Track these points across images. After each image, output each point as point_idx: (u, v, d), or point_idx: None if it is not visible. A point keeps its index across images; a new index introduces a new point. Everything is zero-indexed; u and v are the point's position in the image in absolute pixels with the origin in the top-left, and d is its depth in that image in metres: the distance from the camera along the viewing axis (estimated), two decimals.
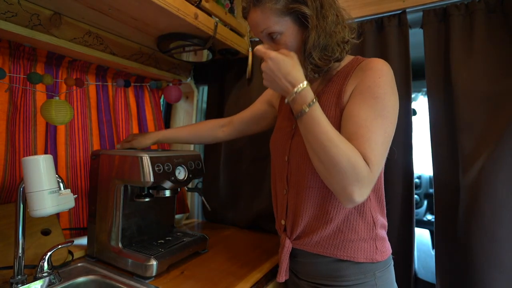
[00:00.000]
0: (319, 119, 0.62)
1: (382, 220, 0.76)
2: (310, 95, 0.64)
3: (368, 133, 0.62)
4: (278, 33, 0.71)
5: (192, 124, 1.23)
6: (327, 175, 0.63)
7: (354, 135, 0.63)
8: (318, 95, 0.74)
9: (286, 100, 0.67)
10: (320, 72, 0.74)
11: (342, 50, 0.72)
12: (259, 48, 0.68)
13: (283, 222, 0.82)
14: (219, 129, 1.12)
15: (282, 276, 0.78)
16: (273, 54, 0.65)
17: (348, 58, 0.79)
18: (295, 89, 0.64)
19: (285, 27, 0.70)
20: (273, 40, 0.73)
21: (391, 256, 0.78)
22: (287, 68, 0.64)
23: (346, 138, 0.63)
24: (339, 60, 0.73)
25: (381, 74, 0.67)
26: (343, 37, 0.71)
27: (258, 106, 1.06)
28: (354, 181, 0.59)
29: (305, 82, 0.64)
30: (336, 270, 0.73)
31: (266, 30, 0.71)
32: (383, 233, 0.76)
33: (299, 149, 0.75)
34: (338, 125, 0.69)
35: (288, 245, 0.78)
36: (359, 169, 0.59)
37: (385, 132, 0.64)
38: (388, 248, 0.76)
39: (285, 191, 0.81)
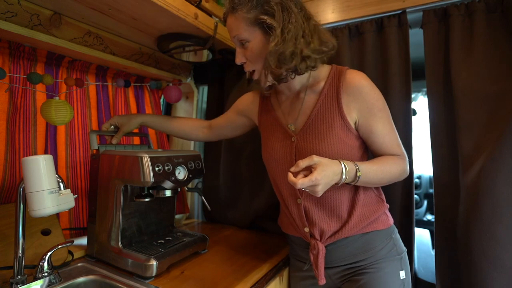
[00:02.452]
0: (369, 171, 0.77)
1: (383, 194, 0.92)
2: (352, 167, 0.74)
3: (391, 139, 0.84)
4: (247, 40, 0.80)
5: (179, 117, 1.23)
6: (386, 184, 0.84)
7: (386, 144, 0.83)
8: (319, 106, 0.83)
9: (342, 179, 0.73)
10: (279, 80, 0.81)
11: (300, 62, 0.77)
12: (301, 184, 0.68)
13: (306, 230, 0.86)
14: (201, 130, 1.15)
15: (323, 279, 0.81)
16: (316, 178, 0.67)
17: (325, 69, 0.86)
18: (343, 177, 0.73)
19: (253, 36, 0.79)
20: (242, 45, 0.82)
21: None
22: (331, 176, 0.71)
23: (380, 147, 0.83)
24: (296, 71, 0.80)
25: (371, 89, 0.81)
26: (302, 51, 0.76)
27: (231, 116, 1.09)
28: (404, 173, 0.85)
29: (343, 166, 0.73)
30: (367, 244, 0.84)
31: (237, 36, 0.80)
32: (386, 204, 0.90)
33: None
34: (342, 129, 0.81)
35: (322, 249, 0.82)
36: (403, 168, 0.84)
37: (392, 126, 0.84)
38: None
39: (299, 200, 0.85)
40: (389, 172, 0.81)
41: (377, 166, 0.79)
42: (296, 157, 0.84)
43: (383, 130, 0.82)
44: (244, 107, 1.05)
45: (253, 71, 0.84)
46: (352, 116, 0.81)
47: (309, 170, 0.70)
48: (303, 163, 0.69)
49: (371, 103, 0.80)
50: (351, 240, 0.84)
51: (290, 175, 0.69)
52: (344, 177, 0.72)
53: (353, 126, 0.82)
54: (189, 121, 1.17)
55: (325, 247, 0.84)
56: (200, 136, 1.15)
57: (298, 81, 0.87)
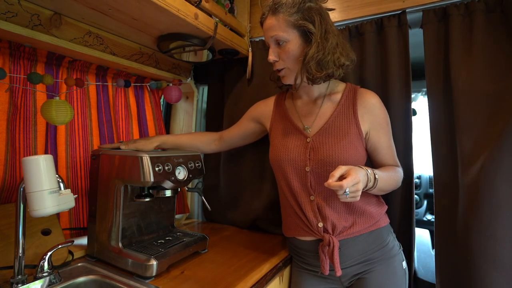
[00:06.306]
0: (382, 176, 0.82)
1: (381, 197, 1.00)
2: (371, 172, 0.80)
3: (393, 151, 0.95)
4: (284, 41, 0.85)
5: (191, 133, 1.34)
6: (390, 191, 0.92)
7: (388, 156, 0.94)
8: (337, 114, 0.91)
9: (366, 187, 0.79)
10: (314, 81, 0.87)
11: (336, 69, 0.86)
12: (347, 184, 0.70)
13: (320, 225, 0.89)
14: (212, 142, 1.22)
15: (339, 270, 0.85)
16: (353, 180, 0.72)
17: (340, 83, 0.97)
18: (369, 179, 0.79)
19: (292, 37, 0.84)
20: (279, 45, 0.87)
21: None
22: (363, 177, 0.76)
23: (383, 158, 0.93)
24: (331, 76, 0.87)
25: (382, 107, 0.93)
26: (339, 60, 0.85)
27: (245, 123, 1.15)
28: (401, 181, 0.94)
29: (365, 170, 0.79)
30: (379, 237, 0.90)
31: (276, 36, 0.85)
32: (385, 205, 0.98)
33: (317, 158, 0.88)
34: (356, 137, 0.88)
35: (336, 242, 0.85)
36: (401, 176, 0.94)
37: (392, 141, 0.95)
38: None
39: (312, 197, 0.90)
40: (394, 179, 0.89)
41: (386, 173, 0.86)
42: (310, 156, 0.89)
43: (388, 143, 0.93)
44: (258, 113, 1.10)
45: (282, 69, 0.89)
46: (365, 127, 0.90)
47: (340, 179, 0.73)
48: (337, 173, 0.72)
49: (382, 118, 0.92)
50: (361, 239, 0.88)
51: (331, 182, 0.71)
52: (369, 179, 0.78)
53: (364, 136, 0.90)
54: (201, 135, 1.23)
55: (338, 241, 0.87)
56: (213, 148, 1.22)
57: (317, 89, 0.95)
